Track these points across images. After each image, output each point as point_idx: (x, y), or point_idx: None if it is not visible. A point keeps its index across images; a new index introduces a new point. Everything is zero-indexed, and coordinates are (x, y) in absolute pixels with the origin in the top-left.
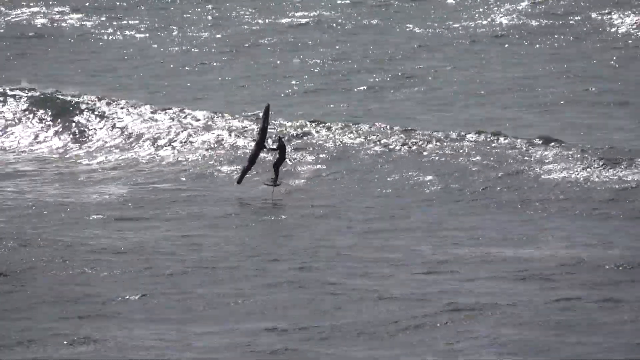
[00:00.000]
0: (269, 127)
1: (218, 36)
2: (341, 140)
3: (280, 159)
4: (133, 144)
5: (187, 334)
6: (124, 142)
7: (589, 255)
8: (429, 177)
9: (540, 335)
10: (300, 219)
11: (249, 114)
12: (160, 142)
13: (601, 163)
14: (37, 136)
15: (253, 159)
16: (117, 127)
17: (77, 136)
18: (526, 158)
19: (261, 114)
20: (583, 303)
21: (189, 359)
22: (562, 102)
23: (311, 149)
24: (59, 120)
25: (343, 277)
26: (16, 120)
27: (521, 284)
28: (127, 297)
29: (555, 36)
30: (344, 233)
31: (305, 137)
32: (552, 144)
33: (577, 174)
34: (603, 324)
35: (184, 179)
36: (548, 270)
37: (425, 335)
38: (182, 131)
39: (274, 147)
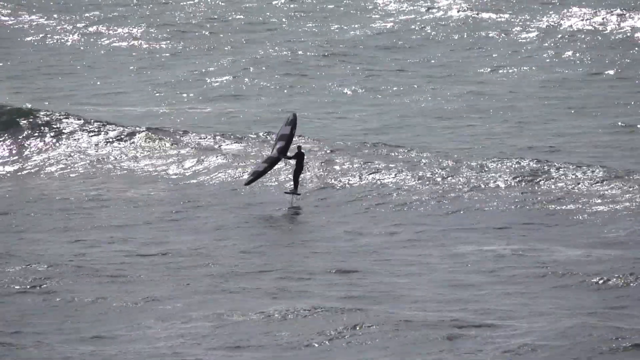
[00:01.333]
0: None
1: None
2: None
3: (299, 168)
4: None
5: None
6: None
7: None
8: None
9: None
10: (324, 228)
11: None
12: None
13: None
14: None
15: (272, 164)
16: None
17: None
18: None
19: (284, 124)
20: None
21: None
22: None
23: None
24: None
25: (377, 280)
26: None
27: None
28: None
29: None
30: (366, 236)
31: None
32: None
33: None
34: None
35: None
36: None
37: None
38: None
39: (292, 155)
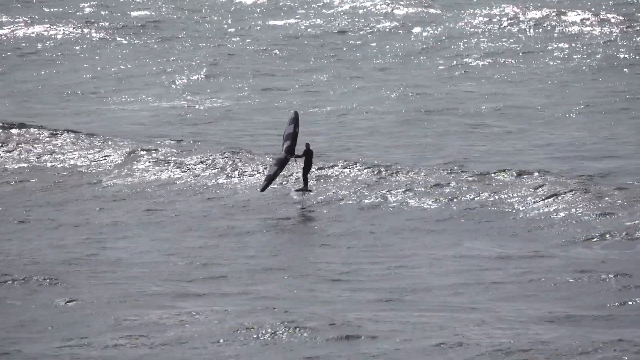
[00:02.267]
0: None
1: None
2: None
3: (308, 166)
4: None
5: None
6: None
7: None
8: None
9: None
10: (334, 226)
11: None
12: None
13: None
14: None
15: (282, 166)
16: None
17: None
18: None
19: (288, 122)
20: None
21: None
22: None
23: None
24: None
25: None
26: None
27: None
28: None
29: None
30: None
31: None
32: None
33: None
34: None
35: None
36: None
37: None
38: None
39: (300, 154)
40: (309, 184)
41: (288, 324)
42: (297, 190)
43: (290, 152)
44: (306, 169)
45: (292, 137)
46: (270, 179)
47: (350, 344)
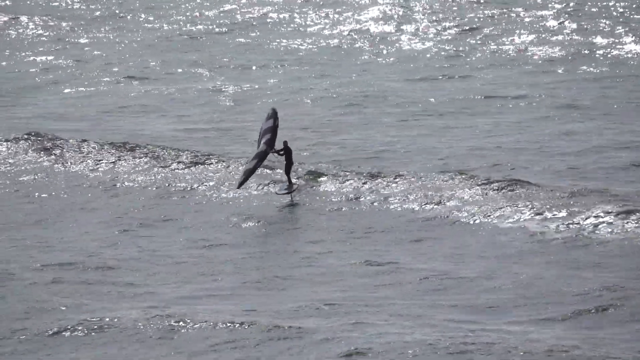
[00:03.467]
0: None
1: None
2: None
3: (289, 163)
4: None
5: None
6: None
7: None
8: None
9: None
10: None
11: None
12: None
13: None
14: None
15: (261, 159)
16: None
17: None
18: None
19: (266, 118)
20: None
21: None
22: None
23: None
24: None
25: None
26: None
27: None
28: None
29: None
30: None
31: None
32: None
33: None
34: None
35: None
36: None
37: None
38: None
39: (279, 150)
40: (292, 181)
41: (279, 322)
42: (278, 193)
43: (271, 145)
44: (288, 167)
45: (272, 131)
46: (248, 174)
47: (346, 345)
